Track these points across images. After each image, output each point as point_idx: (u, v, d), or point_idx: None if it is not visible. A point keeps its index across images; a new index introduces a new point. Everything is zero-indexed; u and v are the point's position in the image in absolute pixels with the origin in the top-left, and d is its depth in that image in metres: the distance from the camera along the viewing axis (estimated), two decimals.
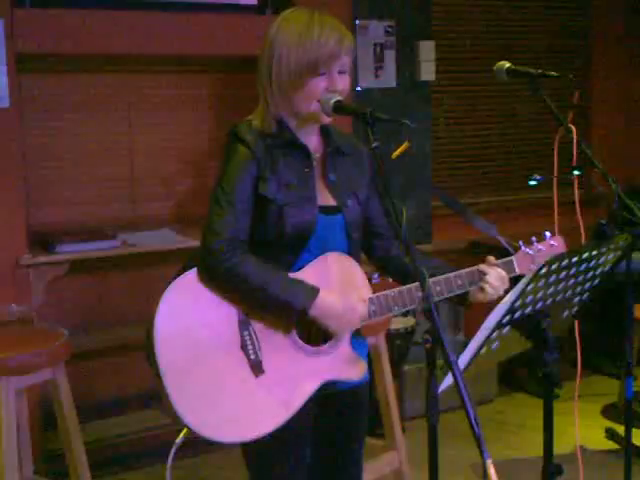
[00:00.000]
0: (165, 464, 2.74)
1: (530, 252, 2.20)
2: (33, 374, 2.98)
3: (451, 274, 2.14)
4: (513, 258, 2.20)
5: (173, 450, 2.67)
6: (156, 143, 4.27)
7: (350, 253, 2.15)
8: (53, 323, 3.70)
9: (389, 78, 4.61)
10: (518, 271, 2.18)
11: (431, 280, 2.07)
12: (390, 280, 2.37)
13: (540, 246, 2.22)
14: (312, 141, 2.15)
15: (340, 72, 2.05)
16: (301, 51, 2.01)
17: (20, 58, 3.69)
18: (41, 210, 4.00)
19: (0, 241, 3.66)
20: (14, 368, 2.89)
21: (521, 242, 2.21)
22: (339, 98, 2.03)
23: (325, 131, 2.18)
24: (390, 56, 4.60)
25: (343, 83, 2.06)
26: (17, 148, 3.72)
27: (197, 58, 4.23)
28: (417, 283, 2.08)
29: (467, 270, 2.15)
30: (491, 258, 2.18)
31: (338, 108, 2.02)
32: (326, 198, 2.13)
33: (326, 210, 2.11)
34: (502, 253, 2.21)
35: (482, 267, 2.15)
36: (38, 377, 3.01)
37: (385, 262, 2.30)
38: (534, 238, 2.22)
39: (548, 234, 2.22)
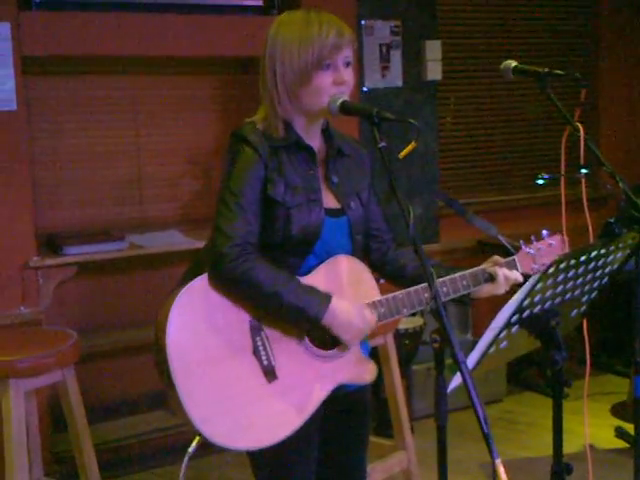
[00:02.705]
0: (174, 465, 2.73)
1: (531, 251, 2.21)
2: (42, 376, 2.98)
3: (456, 275, 2.14)
4: (515, 258, 2.21)
5: (186, 459, 2.63)
6: (163, 144, 4.28)
7: (354, 255, 2.14)
8: (62, 325, 3.72)
9: (395, 78, 4.61)
10: (520, 270, 2.19)
11: (438, 281, 2.07)
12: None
13: (539, 245, 2.23)
14: (316, 143, 2.14)
15: (345, 64, 2.05)
16: (304, 47, 2.00)
17: (27, 61, 3.70)
18: (49, 212, 4.01)
19: (9, 244, 3.67)
20: (23, 370, 2.90)
21: (522, 241, 2.22)
22: (346, 98, 2.03)
23: (327, 133, 2.17)
24: (396, 56, 4.59)
25: (349, 75, 2.06)
26: (25, 150, 3.73)
27: (203, 59, 4.24)
28: (424, 284, 2.08)
29: (471, 270, 2.16)
30: (497, 257, 2.18)
31: (345, 108, 2.01)
32: (330, 200, 2.12)
33: (331, 212, 2.10)
34: (509, 252, 2.21)
35: (489, 268, 2.16)
36: (47, 379, 3.01)
37: (381, 264, 2.28)
38: (533, 237, 2.23)
39: (545, 232, 2.23)
